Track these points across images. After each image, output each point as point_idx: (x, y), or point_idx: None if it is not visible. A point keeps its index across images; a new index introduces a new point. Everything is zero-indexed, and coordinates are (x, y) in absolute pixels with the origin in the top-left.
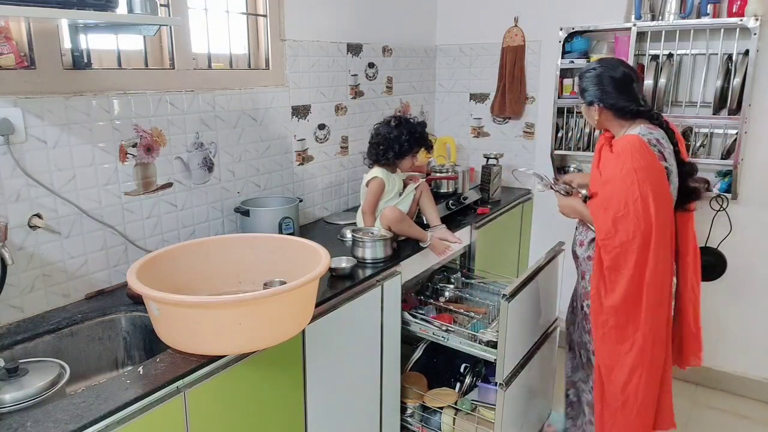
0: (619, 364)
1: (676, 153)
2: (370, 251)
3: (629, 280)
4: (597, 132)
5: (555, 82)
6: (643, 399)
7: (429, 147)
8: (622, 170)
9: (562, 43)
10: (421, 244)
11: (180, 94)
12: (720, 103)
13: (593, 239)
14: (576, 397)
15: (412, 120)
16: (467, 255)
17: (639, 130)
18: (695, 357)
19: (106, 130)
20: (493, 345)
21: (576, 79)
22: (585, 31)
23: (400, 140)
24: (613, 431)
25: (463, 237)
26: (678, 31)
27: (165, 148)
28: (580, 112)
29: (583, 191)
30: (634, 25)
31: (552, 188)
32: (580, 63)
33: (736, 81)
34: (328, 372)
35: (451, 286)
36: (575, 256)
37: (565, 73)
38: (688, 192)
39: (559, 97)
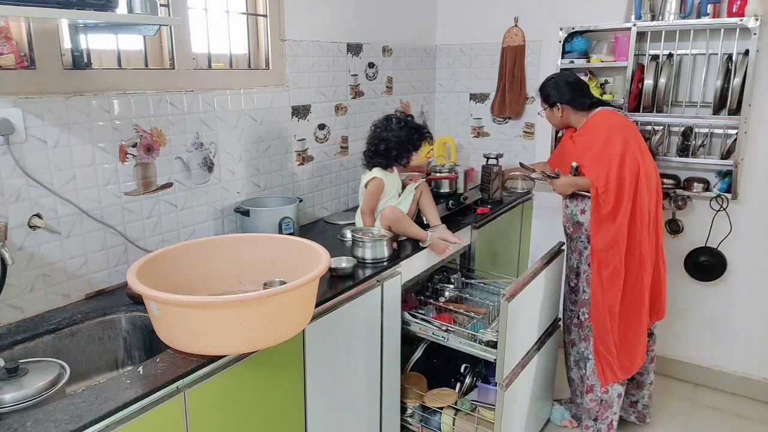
0: (633, 276)
1: None
2: (370, 251)
3: (625, 211)
4: None
5: None
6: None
7: (432, 139)
8: (602, 130)
9: (562, 43)
10: (421, 244)
11: (180, 94)
12: (720, 103)
13: None
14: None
15: (409, 117)
16: (467, 255)
17: (601, 108)
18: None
19: (106, 130)
20: (493, 345)
21: (537, 91)
22: (585, 31)
23: (412, 139)
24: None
25: (463, 237)
26: (678, 31)
27: (165, 148)
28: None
29: (574, 163)
30: (634, 25)
31: (547, 177)
32: (581, 63)
33: (736, 81)
34: (328, 372)
35: (451, 286)
36: (578, 225)
37: None
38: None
39: None
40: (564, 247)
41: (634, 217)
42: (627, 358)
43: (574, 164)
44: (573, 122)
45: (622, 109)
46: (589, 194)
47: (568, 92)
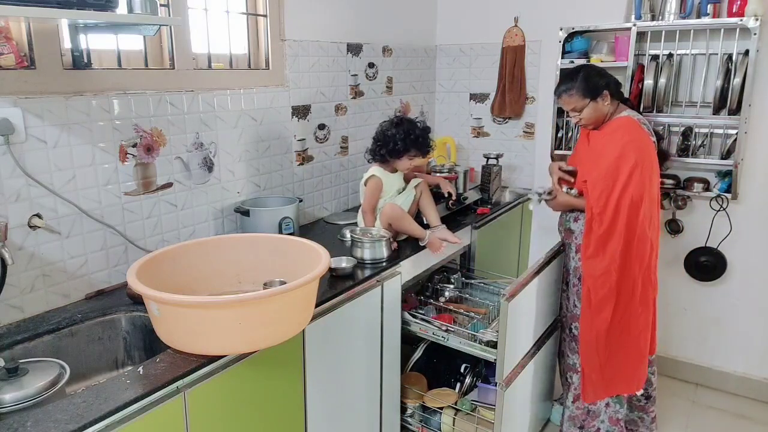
0: (629, 310)
1: None
2: (369, 252)
3: (619, 237)
4: None
5: (555, 82)
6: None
7: (425, 153)
8: (618, 143)
9: (562, 43)
10: (420, 243)
11: (180, 94)
12: (720, 103)
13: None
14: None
15: (417, 123)
16: (467, 255)
17: (627, 113)
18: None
19: (106, 130)
20: (493, 345)
21: (567, 93)
22: (585, 31)
23: (395, 139)
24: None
25: (463, 237)
26: (678, 31)
27: (165, 148)
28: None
29: (573, 190)
30: (634, 25)
31: (545, 200)
32: (581, 63)
33: (736, 81)
34: (328, 372)
35: (451, 286)
36: (569, 232)
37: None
38: (661, 153)
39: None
40: (563, 247)
41: (630, 244)
42: (612, 381)
43: (573, 191)
44: (608, 113)
45: (643, 114)
46: (583, 210)
47: (606, 77)
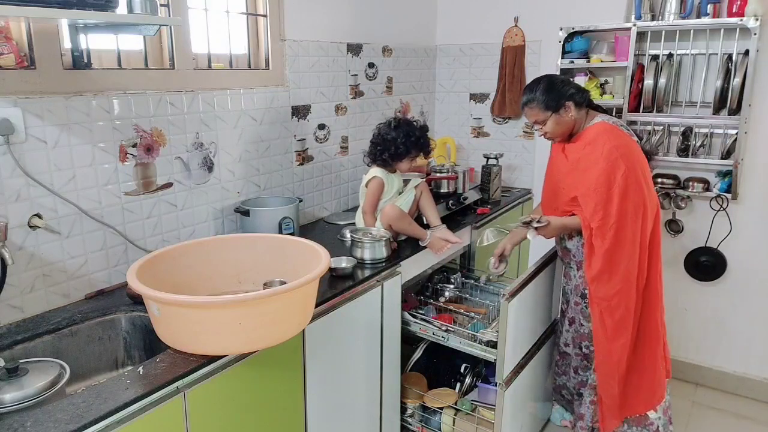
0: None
1: None
2: (369, 252)
3: (630, 254)
4: None
5: None
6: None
7: (426, 153)
8: (603, 151)
9: (562, 43)
10: (420, 242)
11: (180, 94)
12: (720, 103)
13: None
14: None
15: (414, 123)
16: (467, 255)
17: (600, 118)
18: None
19: (106, 130)
20: (493, 345)
21: (528, 106)
22: (585, 31)
23: (396, 142)
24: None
25: (463, 237)
26: (678, 31)
27: (165, 148)
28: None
29: (529, 236)
30: (634, 25)
31: (536, 230)
32: (581, 63)
33: (736, 81)
34: (328, 372)
35: (451, 286)
36: (566, 251)
37: (565, 73)
38: (646, 153)
39: None
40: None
41: (642, 255)
42: (628, 402)
43: (529, 237)
44: (576, 124)
45: (619, 115)
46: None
47: (569, 88)
